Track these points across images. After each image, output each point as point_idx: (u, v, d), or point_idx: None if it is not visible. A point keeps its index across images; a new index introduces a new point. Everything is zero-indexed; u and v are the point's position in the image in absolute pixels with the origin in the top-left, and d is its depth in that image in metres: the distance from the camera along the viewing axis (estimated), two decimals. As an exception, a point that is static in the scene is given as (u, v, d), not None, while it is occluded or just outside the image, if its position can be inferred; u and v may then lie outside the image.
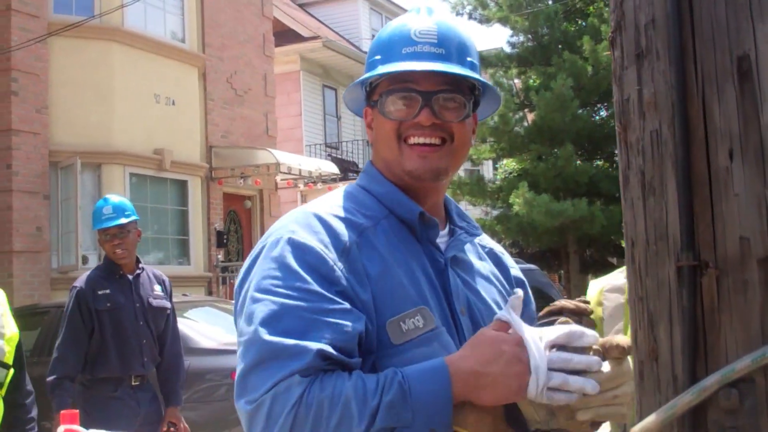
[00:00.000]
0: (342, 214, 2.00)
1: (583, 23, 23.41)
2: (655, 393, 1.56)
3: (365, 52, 21.84)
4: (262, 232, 5.24)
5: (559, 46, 22.40)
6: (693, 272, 1.50)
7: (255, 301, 1.84)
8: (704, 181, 1.51)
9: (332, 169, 20.18)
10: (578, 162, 21.72)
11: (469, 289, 2.10)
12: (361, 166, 25.27)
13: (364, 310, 1.85)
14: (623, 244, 1.74)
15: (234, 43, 19.04)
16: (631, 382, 1.77)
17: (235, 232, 19.25)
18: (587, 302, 1.99)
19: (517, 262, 9.53)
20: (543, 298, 13.95)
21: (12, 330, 4.28)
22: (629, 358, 1.80)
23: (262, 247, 1.95)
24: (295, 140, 25.36)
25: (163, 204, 16.86)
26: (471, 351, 1.78)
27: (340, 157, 26.54)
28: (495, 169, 30.16)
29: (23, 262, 14.17)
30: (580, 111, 21.77)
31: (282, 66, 24.31)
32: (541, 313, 2.00)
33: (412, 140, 2.03)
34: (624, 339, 1.84)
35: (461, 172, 29.50)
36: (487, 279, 2.22)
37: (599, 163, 23.24)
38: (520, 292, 1.87)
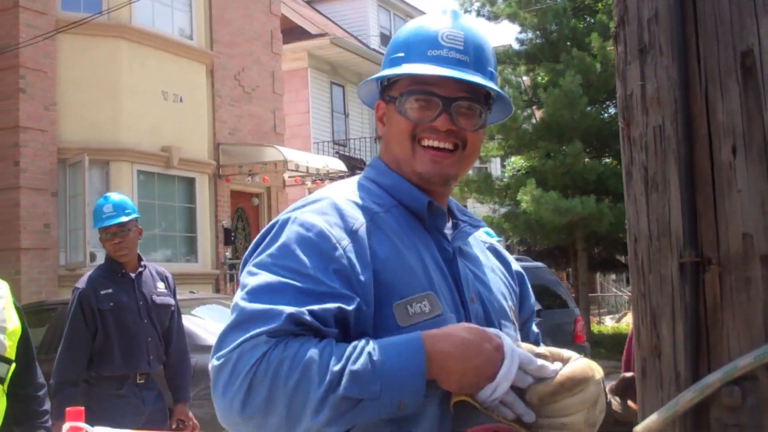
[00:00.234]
0: (354, 198, 2.02)
1: (592, 20, 23.34)
2: (658, 390, 1.56)
3: (373, 50, 21.82)
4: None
5: (568, 43, 22.35)
6: (696, 269, 1.49)
7: (250, 274, 1.88)
8: (707, 178, 1.50)
9: (340, 166, 20.17)
10: (586, 159, 21.67)
11: (477, 279, 2.12)
12: (368, 163, 25.24)
13: (361, 291, 1.85)
14: (631, 242, 1.73)
15: (242, 40, 19.04)
16: (588, 412, 1.78)
17: (243, 229, 19.25)
18: None
19: (525, 260, 9.50)
20: (550, 295, 13.96)
21: (14, 324, 4.25)
22: (589, 388, 1.80)
23: (272, 225, 1.98)
24: (302, 137, 25.35)
25: (171, 201, 16.86)
26: (454, 335, 1.79)
27: (347, 154, 26.53)
28: (503, 166, 30.13)
29: (31, 259, 14.19)
30: (589, 108, 21.70)
31: (290, 63, 24.30)
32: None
33: (426, 142, 2.05)
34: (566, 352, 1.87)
35: (469, 170, 29.48)
36: (491, 270, 2.24)
37: (608, 160, 23.17)
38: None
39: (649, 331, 1.59)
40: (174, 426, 6.16)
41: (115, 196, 6.36)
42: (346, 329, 1.82)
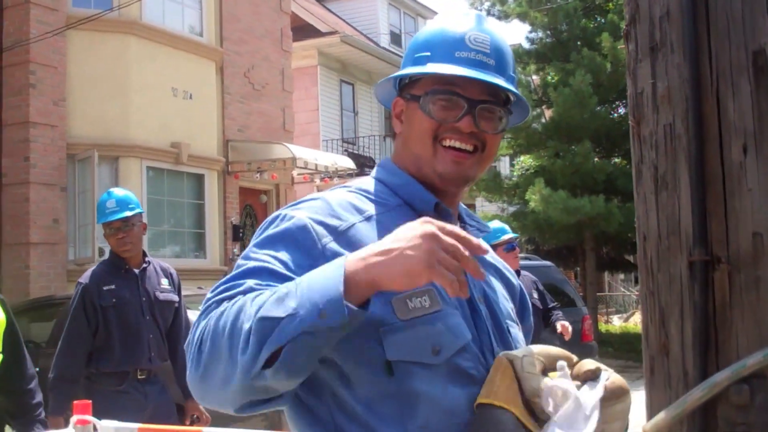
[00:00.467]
0: (350, 199, 2.02)
1: (603, 20, 23.32)
2: (666, 389, 1.56)
3: (383, 48, 21.83)
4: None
5: (578, 43, 22.32)
6: (705, 267, 1.48)
7: (236, 266, 1.89)
8: (717, 176, 1.50)
9: (348, 164, 20.17)
10: (596, 159, 21.65)
11: (483, 281, 2.11)
12: (377, 161, 25.25)
13: None
14: (641, 243, 1.73)
15: (252, 37, 19.05)
16: (622, 422, 1.77)
17: (251, 226, 19.25)
18: None
19: (533, 259, 9.45)
20: (558, 294, 13.93)
21: None
22: (628, 399, 1.80)
23: (265, 221, 2.01)
24: (311, 135, 25.35)
25: (180, 197, 16.87)
26: (376, 244, 1.74)
27: (356, 152, 26.53)
28: (512, 165, 30.10)
29: (40, 253, 14.21)
30: (599, 108, 21.68)
31: (299, 61, 24.30)
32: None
33: (447, 142, 2.04)
34: (592, 362, 1.86)
35: (478, 169, 29.44)
36: (493, 274, 2.24)
37: (617, 160, 23.15)
38: None
39: (658, 330, 1.59)
40: (188, 422, 6.14)
41: (118, 192, 6.28)
42: None
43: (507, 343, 2.03)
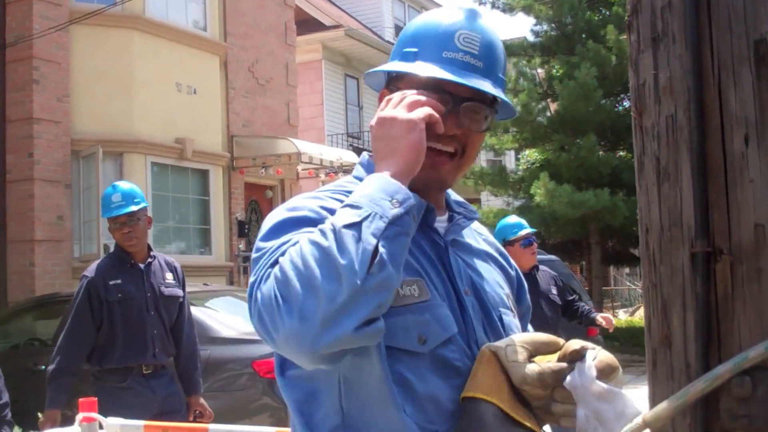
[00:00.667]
0: (337, 196, 2.01)
1: (607, 12, 23.29)
2: (668, 380, 1.55)
3: (388, 42, 21.90)
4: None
5: (583, 36, 22.30)
6: (707, 259, 1.48)
7: (254, 261, 1.89)
8: (719, 167, 1.49)
9: (353, 158, 20.16)
10: (601, 152, 21.64)
11: (471, 270, 2.13)
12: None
13: None
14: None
15: (256, 31, 19.05)
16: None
17: (257, 221, 19.25)
18: None
19: (539, 253, 9.31)
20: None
21: None
22: (619, 375, 1.80)
23: (268, 218, 2.01)
24: (316, 130, 25.38)
25: (185, 193, 16.89)
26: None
27: (361, 147, 26.55)
28: (517, 159, 30.10)
29: (45, 250, 14.23)
30: (604, 101, 21.67)
31: (304, 55, 24.32)
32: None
33: (428, 143, 2.03)
34: (577, 342, 1.86)
35: (483, 163, 29.45)
36: (487, 261, 2.25)
37: (622, 153, 23.12)
38: None
39: (660, 322, 1.58)
40: (192, 418, 6.13)
41: (124, 185, 6.24)
42: None
43: (498, 333, 2.05)
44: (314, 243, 1.70)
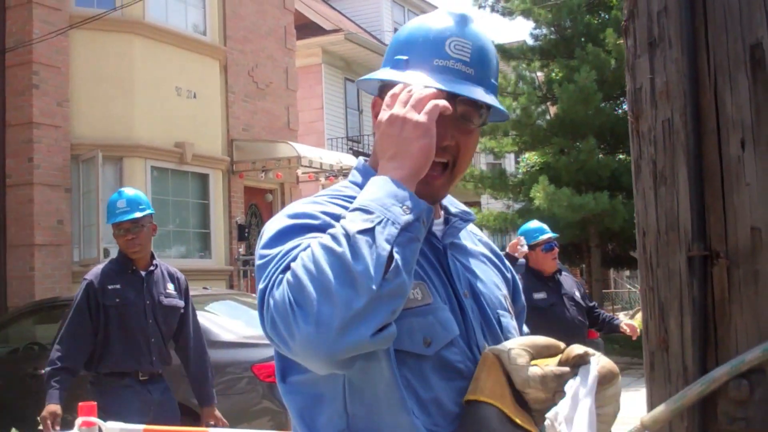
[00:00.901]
0: (335, 201, 2.01)
1: (607, 16, 23.29)
2: (666, 383, 1.55)
3: (387, 46, 22.07)
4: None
5: (582, 39, 22.28)
6: (704, 262, 1.48)
7: (258, 268, 1.88)
8: (716, 171, 1.49)
9: (353, 162, 20.12)
10: (600, 156, 21.62)
11: (469, 273, 2.13)
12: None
13: None
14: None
15: (255, 36, 19.05)
16: (615, 406, 1.77)
17: (257, 225, 19.24)
18: None
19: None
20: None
21: None
22: (618, 383, 1.80)
23: (269, 225, 2.00)
24: (316, 133, 25.37)
25: (185, 197, 16.87)
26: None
27: (361, 150, 26.54)
28: (517, 162, 30.10)
29: (44, 255, 14.21)
30: (603, 104, 21.67)
31: (304, 59, 24.32)
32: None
33: None
34: (579, 347, 1.86)
35: (483, 166, 29.45)
36: (484, 262, 2.25)
37: (621, 156, 23.10)
38: None
39: (657, 325, 1.59)
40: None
41: (129, 191, 6.20)
42: None
43: (496, 334, 2.06)
44: (327, 248, 1.69)
